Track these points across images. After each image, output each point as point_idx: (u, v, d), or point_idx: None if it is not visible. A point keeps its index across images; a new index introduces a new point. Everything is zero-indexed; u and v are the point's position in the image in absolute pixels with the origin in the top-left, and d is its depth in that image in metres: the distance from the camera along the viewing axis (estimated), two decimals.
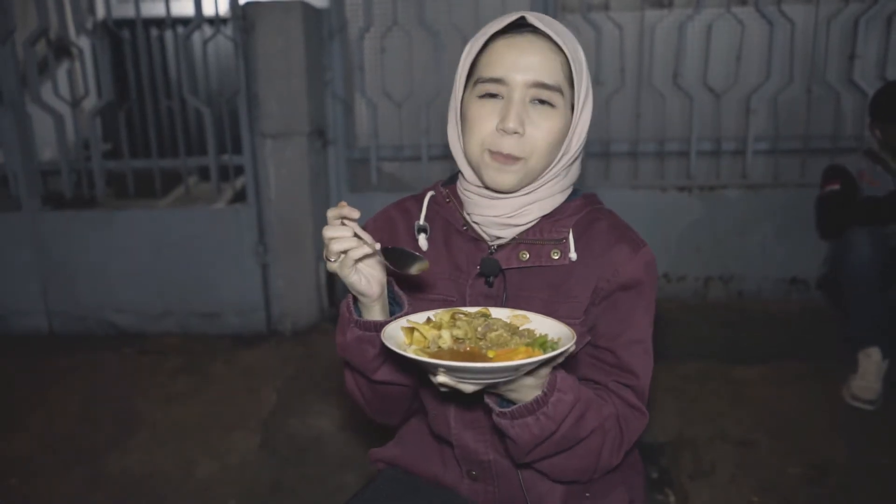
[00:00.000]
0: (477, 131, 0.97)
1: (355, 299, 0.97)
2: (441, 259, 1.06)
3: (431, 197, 1.11)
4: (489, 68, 0.96)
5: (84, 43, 4.11)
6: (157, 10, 3.71)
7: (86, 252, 3.25)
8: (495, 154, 0.96)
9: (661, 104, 3.36)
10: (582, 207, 1.05)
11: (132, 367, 2.97)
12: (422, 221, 1.09)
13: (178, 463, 2.24)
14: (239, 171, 3.52)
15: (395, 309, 0.99)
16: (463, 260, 1.05)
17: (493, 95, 0.96)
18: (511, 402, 0.89)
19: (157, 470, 2.21)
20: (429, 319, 0.90)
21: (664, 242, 3.31)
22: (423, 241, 1.07)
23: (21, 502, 2.08)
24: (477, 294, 1.03)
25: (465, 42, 1.04)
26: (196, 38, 3.43)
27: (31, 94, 3.23)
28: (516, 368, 0.78)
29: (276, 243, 3.21)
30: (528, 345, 0.83)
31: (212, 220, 3.23)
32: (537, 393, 0.86)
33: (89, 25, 4.15)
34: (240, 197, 3.49)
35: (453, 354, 0.83)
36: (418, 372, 1.00)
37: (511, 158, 0.95)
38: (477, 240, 1.04)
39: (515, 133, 0.94)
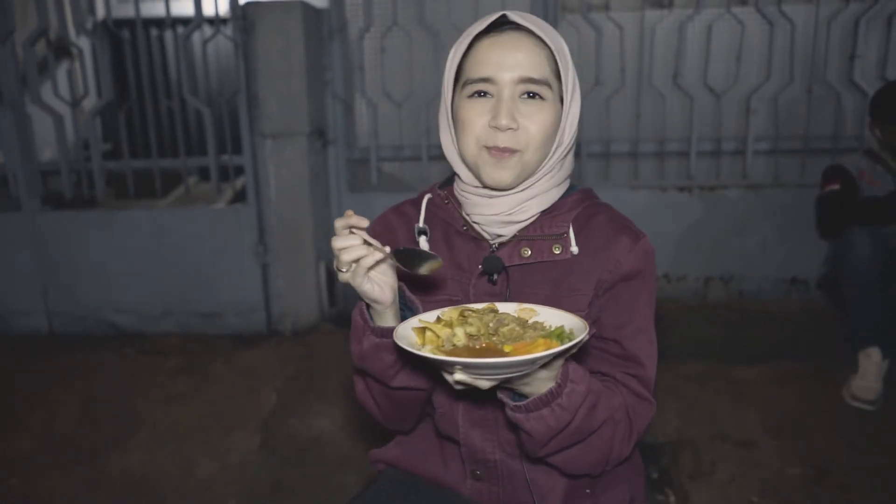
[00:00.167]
0: (470, 130, 0.98)
1: (368, 306, 0.97)
2: (443, 260, 1.06)
3: (429, 199, 1.11)
4: (476, 68, 0.97)
5: (84, 43, 4.11)
6: (157, 10, 3.71)
7: (86, 252, 3.25)
8: (491, 149, 0.97)
9: (662, 104, 3.36)
10: (580, 202, 1.06)
11: (132, 368, 2.97)
12: (421, 224, 1.09)
13: (178, 463, 2.24)
14: (239, 171, 3.52)
15: (406, 314, 0.99)
16: (465, 259, 1.05)
17: (482, 94, 0.97)
18: (523, 397, 0.89)
19: (157, 470, 2.21)
20: (438, 318, 0.90)
21: (664, 243, 3.32)
22: (423, 243, 1.08)
23: (21, 502, 2.08)
24: (481, 292, 1.03)
25: None
26: (196, 38, 3.43)
27: (31, 95, 3.23)
28: (534, 361, 0.78)
29: (276, 243, 3.21)
30: (544, 336, 0.84)
31: (212, 221, 3.23)
32: (551, 385, 0.86)
33: (89, 25, 4.15)
34: (240, 197, 3.49)
35: (469, 351, 0.83)
36: (432, 372, 1.00)
37: (508, 151, 0.96)
38: (477, 239, 1.05)
39: (509, 129, 0.95)
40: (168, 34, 4.43)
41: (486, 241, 1.04)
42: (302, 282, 3.26)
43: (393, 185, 3.54)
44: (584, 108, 3.26)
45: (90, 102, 3.78)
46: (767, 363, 2.72)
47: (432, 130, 3.30)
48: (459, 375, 0.80)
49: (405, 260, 0.90)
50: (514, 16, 0.97)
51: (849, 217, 2.51)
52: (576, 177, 3.31)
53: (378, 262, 0.90)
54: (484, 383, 0.82)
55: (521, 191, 1.01)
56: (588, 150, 3.36)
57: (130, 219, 3.24)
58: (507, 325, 0.87)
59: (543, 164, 1.00)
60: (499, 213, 1.02)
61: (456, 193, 1.08)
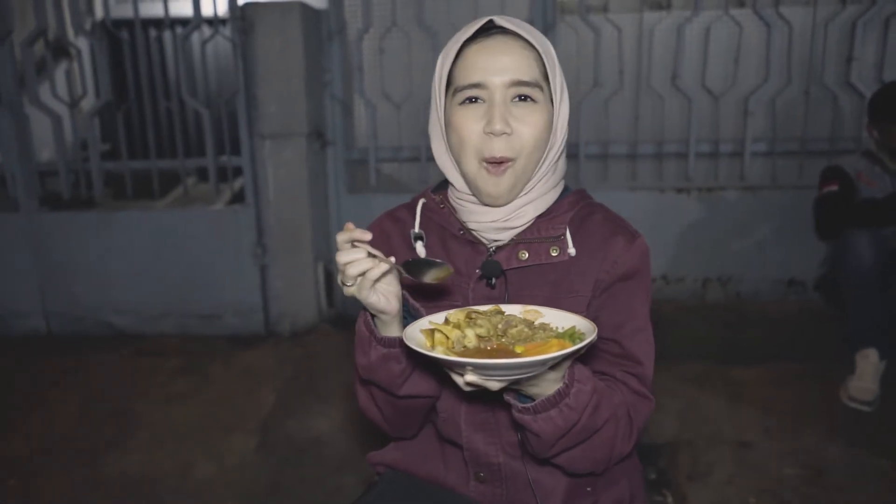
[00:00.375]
0: (466, 139, 0.98)
1: (373, 316, 0.96)
2: None
3: (424, 204, 1.11)
4: (466, 75, 0.97)
5: (82, 43, 4.10)
6: (156, 10, 3.71)
7: (84, 253, 3.25)
8: (489, 163, 0.97)
9: (660, 106, 3.37)
10: (575, 203, 1.06)
11: (131, 368, 2.97)
12: (417, 229, 1.09)
13: (176, 464, 2.24)
14: (237, 172, 3.52)
15: (409, 321, 0.99)
16: (462, 264, 1.05)
17: (474, 100, 0.97)
18: (528, 398, 0.89)
19: (156, 471, 2.21)
20: (446, 320, 0.90)
21: (663, 244, 3.32)
22: (420, 248, 1.07)
23: (20, 503, 2.08)
24: (479, 296, 1.03)
25: None
26: (195, 38, 3.42)
27: (30, 95, 3.23)
28: (548, 362, 0.79)
29: (274, 244, 3.21)
30: (558, 337, 0.85)
31: (210, 221, 3.23)
32: (558, 386, 0.87)
33: (88, 26, 4.14)
34: (238, 198, 3.49)
35: (480, 353, 0.83)
36: (439, 374, 1.00)
37: (504, 162, 0.97)
38: (474, 243, 1.05)
39: (504, 133, 0.95)
40: (167, 35, 4.42)
41: (483, 244, 1.04)
42: (300, 283, 3.26)
43: (392, 187, 3.54)
44: (583, 110, 3.28)
45: (88, 103, 3.77)
46: (765, 364, 2.72)
47: None
48: (471, 377, 0.80)
49: (413, 270, 0.90)
50: (500, 20, 0.98)
51: (847, 218, 2.52)
52: (574, 178, 3.32)
53: (384, 274, 0.90)
54: (494, 384, 0.82)
55: (518, 197, 1.01)
56: (586, 152, 3.36)
57: (129, 219, 3.24)
58: (516, 326, 0.87)
59: (538, 169, 1.01)
60: (495, 220, 1.02)
61: (451, 200, 1.08)
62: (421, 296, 1.04)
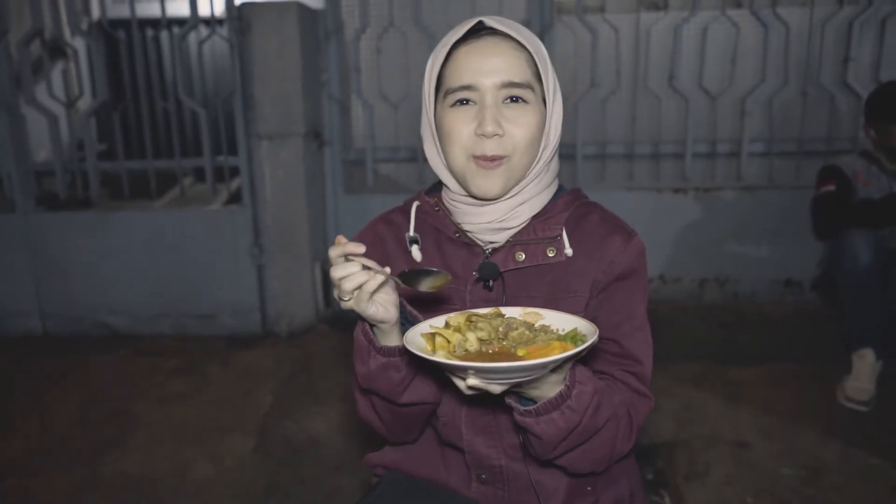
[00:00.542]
0: (456, 139, 0.97)
1: (371, 325, 0.95)
2: (437, 268, 1.05)
3: (418, 207, 1.10)
4: (456, 77, 0.97)
5: (79, 43, 4.09)
6: (153, 10, 3.69)
7: (80, 253, 3.24)
8: (479, 158, 0.96)
9: (657, 106, 3.37)
10: (570, 203, 1.05)
11: (128, 369, 2.96)
12: (412, 232, 1.08)
13: (174, 465, 2.23)
14: (234, 172, 3.51)
15: (407, 328, 0.98)
16: (459, 267, 1.04)
17: (465, 102, 0.97)
18: (529, 401, 0.89)
19: (154, 472, 2.20)
20: (447, 323, 0.89)
21: (660, 244, 3.33)
22: (416, 252, 1.06)
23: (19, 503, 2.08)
24: (477, 299, 1.03)
25: None
26: (191, 38, 3.41)
27: (26, 95, 3.22)
28: (547, 365, 0.78)
29: (271, 245, 3.21)
30: (559, 339, 0.84)
31: (207, 222, 3.23)
32: (560, 388, 0.86)
33: (84, 26, 4.14)
34: (235, 198, 3.48)
35: (482, 356, 0.83)
36: (440, 377, 1.00)
37: (496, 159, 0.96)
38: (470, 245, 1.04)
39: (496, 135, 0.95)
40: (163, 35, 4.42)
41: (479, 246, 1.04)
42: (297, 283, 3.25)
43: (389, 187, 3.54)
44: (580, 110, 3.28)
45: (85, 103, 3.76)
46: (762, 364, 2.73)
47: None
48: (473, 381, 0.80)
49: (410, 280, 0.89)
50: (490, 21, 0.97)
51: (844, 218, 2.52)
52: (571, 179, 3.32)
53: (381, 285, 0.89)
54: (496, 388, 0.81)
55: (511, 197, 1.01)
56: (583, 152, 3.36)
57: (125, 220, 3.23)
58: (517, 328, 0.86)
59: (531, 169, 1.00)
60: (491, 221, 1.01)
61: (445, 202, 1.07)
62: (418, 302, 1.04)
